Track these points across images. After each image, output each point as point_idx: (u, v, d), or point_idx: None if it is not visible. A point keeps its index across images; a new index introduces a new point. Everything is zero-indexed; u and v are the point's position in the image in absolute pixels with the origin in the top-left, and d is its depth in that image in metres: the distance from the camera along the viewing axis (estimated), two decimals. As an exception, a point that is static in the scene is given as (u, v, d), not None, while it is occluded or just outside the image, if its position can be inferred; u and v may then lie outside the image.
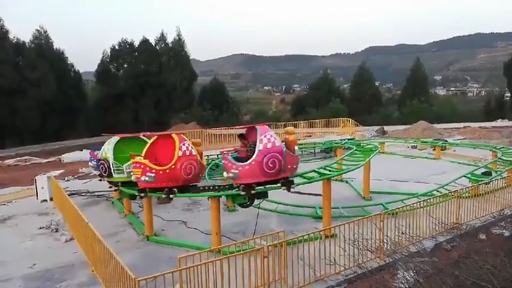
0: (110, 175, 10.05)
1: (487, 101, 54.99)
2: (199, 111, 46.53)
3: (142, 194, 9.01)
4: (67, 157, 22.95)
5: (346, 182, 13.98)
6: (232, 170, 8.12)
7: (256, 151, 8.02)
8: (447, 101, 66.58)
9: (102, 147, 10.40)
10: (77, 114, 39.91)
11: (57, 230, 10.47)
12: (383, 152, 19.40)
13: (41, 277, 7.88)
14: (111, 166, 9.90)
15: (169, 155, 8.53)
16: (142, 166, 8.45)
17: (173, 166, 8.34)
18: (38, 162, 22.84)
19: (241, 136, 9.00)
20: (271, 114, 62.04)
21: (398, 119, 42.39)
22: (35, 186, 13.70)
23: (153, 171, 8.37)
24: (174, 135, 8.78)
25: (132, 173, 8.81)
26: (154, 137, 9.19)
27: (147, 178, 8.41)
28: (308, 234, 7.44)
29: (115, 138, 10.38)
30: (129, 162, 9.37)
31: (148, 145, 8.98)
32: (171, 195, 8.64)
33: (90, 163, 12.22)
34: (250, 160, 8.02)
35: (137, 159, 8.57)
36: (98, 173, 11.38)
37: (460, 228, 9.33)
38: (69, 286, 7.48)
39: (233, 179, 8.25)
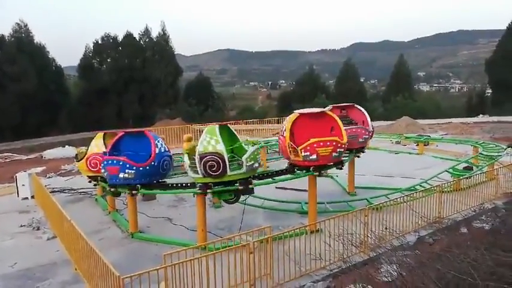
0: (223, 173, 7.88)
1: (469, 97, 56.06)
2: (184, 107, 46.14)
3: (320, 172, 8.95)
4: (49, 153, 22.49)
5: (331, 177, 14.08)
6: (364, 136, 11.02)
7: (370, 124, 11.31)
8: (430, 97, 67.76)
9: (201, 139, 8.09)
10: (59, 110, 39.08)
11: (38, 228, 10.28)
12: (367, 147, 19.56)
13: (22, 276, 7.73)
14: (226, 161, 7.84)
15: (310, 132, 8.95)
16: (334, 143, 8.72)
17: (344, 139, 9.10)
18: (19, 159, 22.34)
19: (343, 109, 11.38)
20: (258, 109, 62.02)
21: (383, 114, 42.92)
22: (15, 183, 13.40)
23: (343, 146, 8.96)
24: (329, 112, 9.45)
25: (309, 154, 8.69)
26: (296, 116, 9.29)
27: (337, 154, 8.93)
28: (294, 230, 7.49)
29: (218, 127, 8.28)
30: (248, 154, 7.98)
31: (289, 126, 9.07)
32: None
33: (123, 173, 8.44)
34: (371, 129, 11.35)
35: (313, 140, 8.71)
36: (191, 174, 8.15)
37: (442, 222, 9.51)
38: (52, 285, 7.36)
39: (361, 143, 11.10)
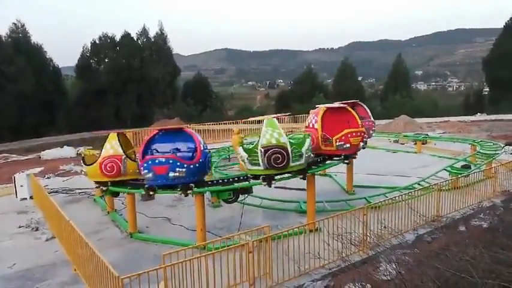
0: (287, 165, 8.12)
1: (466, 95, 56.23)
2: (182, 107, 46.09)
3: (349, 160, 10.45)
4: (47, 154, 22.44)
5: (330, 176, 14.12)
6: (373, 129, 12.50)
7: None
8: (428, 95, 67.92)
9: (263, 132, 8.25)
10: (57, 110, 38.99)
11: (37, 229, 10.26)
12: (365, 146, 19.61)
13: (21, 277, 7.72)
14: (290, 153, 8.11)
15: (337, 125, 9.94)
16: (362, 134, 10.08)
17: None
18: (17, 159, 22.28)
19: (353, 106, 11.39)
20: (256, 109, 61.96)
21: (381, 113, 42.95)
22: (13, 184, 13.38)
23: (366, 137, 10.54)
24: (348, 107, 10.40)
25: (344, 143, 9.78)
26: (324, 110, 10.23)
27: (363, 143, 10.37)
28: (293, 229, 7.50)
29: (276, 120, 8.57)
30: (306, 146, 8.44)
31: (321, 119, 10.00)
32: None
33: (173, 172, 7.89)
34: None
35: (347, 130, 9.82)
36: (250, 167, 8.23)
37: (440, 220, 9.54)
38: (51, 285, 7.35)
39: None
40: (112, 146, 9.10)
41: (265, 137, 8.08)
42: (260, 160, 7.99)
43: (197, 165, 8.08)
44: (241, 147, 8.41)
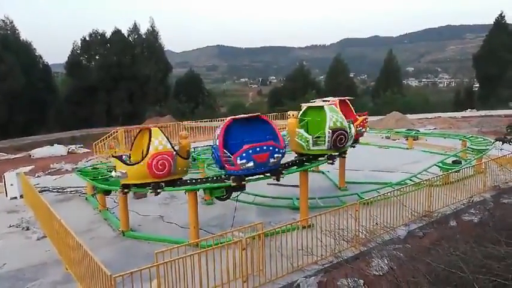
0: (346, 144, 9.44)
1: (457, 91, 56.81)
2: (174, 104, 45.92)
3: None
4: (37, 152, 22.23)
5: (323, 172, 14.16)
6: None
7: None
8: (419, 91, 68.53)
9: (328, 116, 9.13)
10: (47, 108, 38.54)
11: (28, 228, 10.16)
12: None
13: (12, 277, 7.64)
14: (349, 135, 9.34)
15: (346, 114, 10.87)
16: (367, 121, 12.22)
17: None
18: (6, 158, 22.02)
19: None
20: (248, 106, 61.96)
21: (373, 109, 43.21)
22: (3, 183, 13.24)
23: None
24: (348, 101, 12.14)
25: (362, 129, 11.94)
26: (339, 101, 11.48)
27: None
28: (286, 226, 7.51)
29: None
30: (353, 129, 9.87)
31: (339, 108, 10.77)
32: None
33: (272, 158, 7.92)
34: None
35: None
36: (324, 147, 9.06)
37: (431, 215, 9.62)
38: (42, 285, 7.29)
39: None
40: (160, 141, 8.21)
41: (332, 121, 9.17)
42: (326, 140, 9.01)
43: (285, 149, 8.33)
44: (302, 129, 9.36)
